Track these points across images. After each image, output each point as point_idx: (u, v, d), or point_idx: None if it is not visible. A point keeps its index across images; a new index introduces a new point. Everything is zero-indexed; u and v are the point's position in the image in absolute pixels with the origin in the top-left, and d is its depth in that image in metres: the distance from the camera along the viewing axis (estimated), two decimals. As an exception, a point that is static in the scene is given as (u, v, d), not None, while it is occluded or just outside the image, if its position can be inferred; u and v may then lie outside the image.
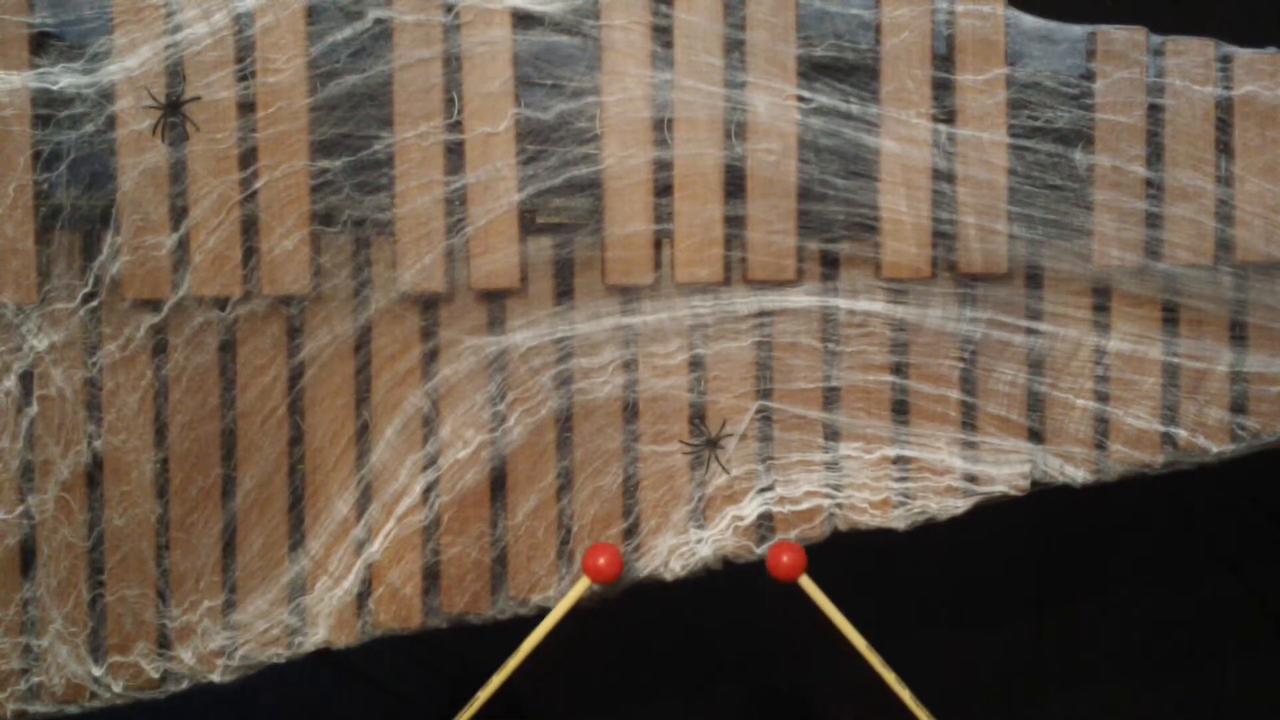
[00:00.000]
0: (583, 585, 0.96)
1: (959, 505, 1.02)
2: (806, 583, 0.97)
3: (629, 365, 1.00)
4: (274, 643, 1.00)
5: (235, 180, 0.96)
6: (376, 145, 0.97)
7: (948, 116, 0.99)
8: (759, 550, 1.01)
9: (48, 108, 0.95)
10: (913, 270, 0.99)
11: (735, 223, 0.98)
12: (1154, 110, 1.00)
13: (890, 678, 0.97)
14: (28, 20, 0.95)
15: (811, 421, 1.01)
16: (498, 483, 1.00)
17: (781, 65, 0.97)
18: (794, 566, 0.97)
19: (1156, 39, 1.00)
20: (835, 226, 0.99)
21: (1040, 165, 1.00)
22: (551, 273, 0.99)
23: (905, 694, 0.97)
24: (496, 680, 0.96)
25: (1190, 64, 1.00)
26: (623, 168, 0.97)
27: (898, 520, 1.02)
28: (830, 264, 1.00)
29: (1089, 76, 1.00)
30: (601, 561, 0.96)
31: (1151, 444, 1.03)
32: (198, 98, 0.95)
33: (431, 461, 0.99)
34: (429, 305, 0.99)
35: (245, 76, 0.95)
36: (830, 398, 1.01)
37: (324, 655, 1.01)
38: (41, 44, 0.96)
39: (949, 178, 0.99)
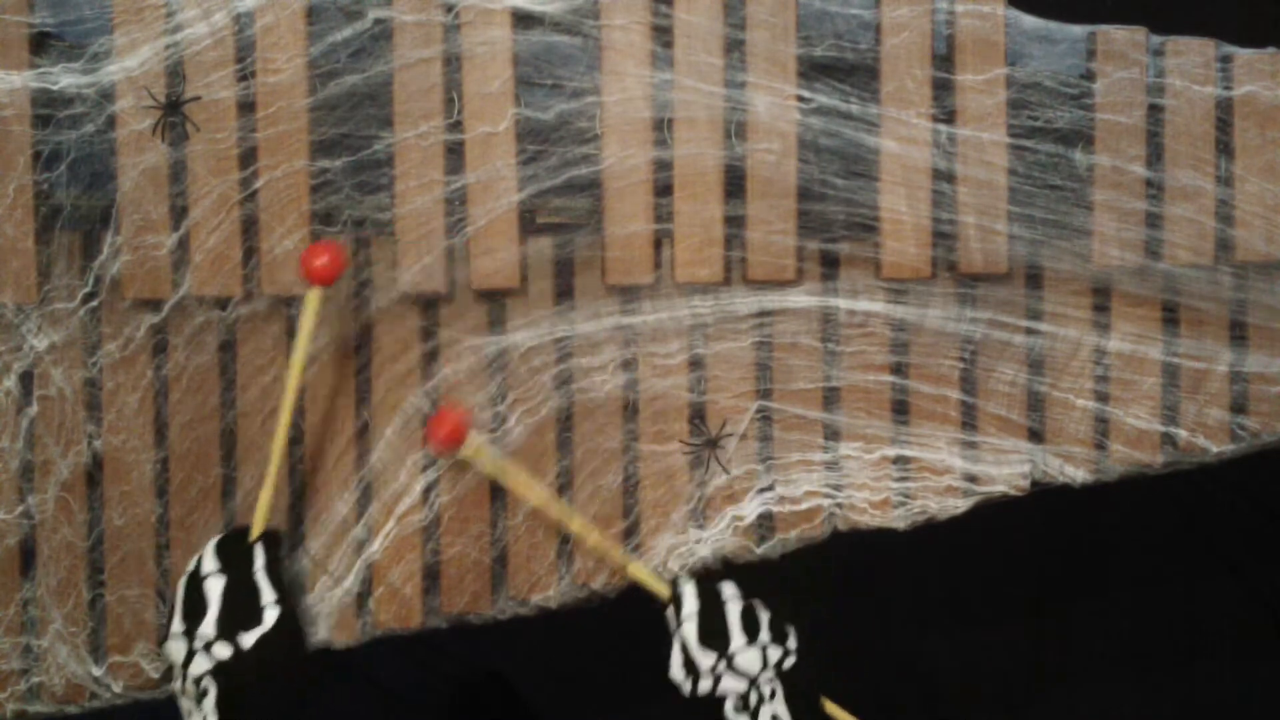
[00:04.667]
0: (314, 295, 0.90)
1: (959, 505, 1.02)
2: (473, 452, 0.92)
3: (629, 365, 1.00)
4: (274, 643, 1.00)
5: (235, 180, 0.96)
6: (376, 145, 0.97)
7: (948, 116, 0.99)
8: (759, 550, 1.01)
9: (48, 108, 0.95)
10: (913, 270, 0.99)
11: (735, 223, 0.98)
12: (1154, 110, 1.00)
13: (576, 525, 0.95)
14: (28, 20, 0.95)
15: (811, 421, 1.01)
16: (498, 483, 1.00)
17: (781, 65, 0.97)
18: (455, 437, 0.91)
19: (1156, 39, 1.00)
20: (835, 226, 0.99)
21: (1040, 165, 1.00)
22: (551, 273, 0.99)
23: (575, 523, 0.96)
24: (286, 420, 0.91)
25: (1190, 64, 1.00)
26: (623, 168, 0.97)
27: (898, 520, 1.02)
28: (830, 264, 1.00)
29: (1089, 76, 1.00)
30: (322, 261, 0.89)
31: (1151, 444, 1.03)
32: (198, 98, 0.95)
33: (431, 461, 0.99)
34: (429, 305, 0.99)
35: (245, 76, 0.95)
36: (830, 398, 1.01)
37: (324, 655, 1.01)
38: (41, 44, 0.96)
39: (949, 178, 0.99)
